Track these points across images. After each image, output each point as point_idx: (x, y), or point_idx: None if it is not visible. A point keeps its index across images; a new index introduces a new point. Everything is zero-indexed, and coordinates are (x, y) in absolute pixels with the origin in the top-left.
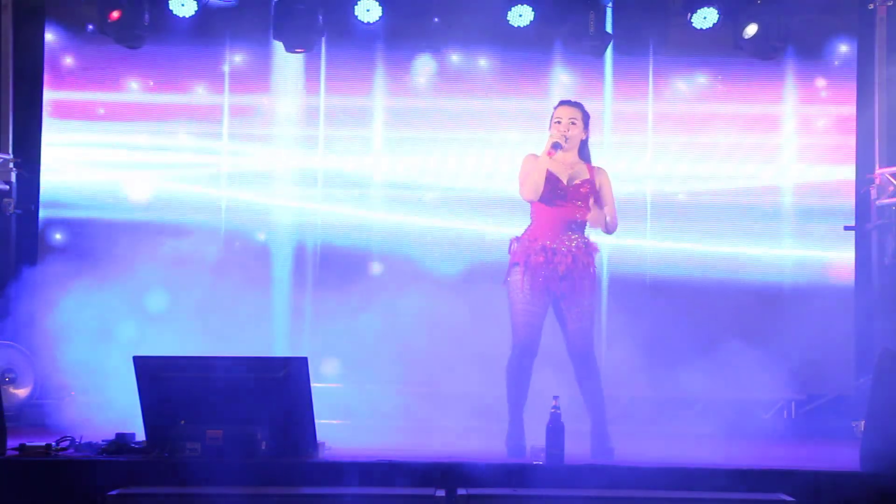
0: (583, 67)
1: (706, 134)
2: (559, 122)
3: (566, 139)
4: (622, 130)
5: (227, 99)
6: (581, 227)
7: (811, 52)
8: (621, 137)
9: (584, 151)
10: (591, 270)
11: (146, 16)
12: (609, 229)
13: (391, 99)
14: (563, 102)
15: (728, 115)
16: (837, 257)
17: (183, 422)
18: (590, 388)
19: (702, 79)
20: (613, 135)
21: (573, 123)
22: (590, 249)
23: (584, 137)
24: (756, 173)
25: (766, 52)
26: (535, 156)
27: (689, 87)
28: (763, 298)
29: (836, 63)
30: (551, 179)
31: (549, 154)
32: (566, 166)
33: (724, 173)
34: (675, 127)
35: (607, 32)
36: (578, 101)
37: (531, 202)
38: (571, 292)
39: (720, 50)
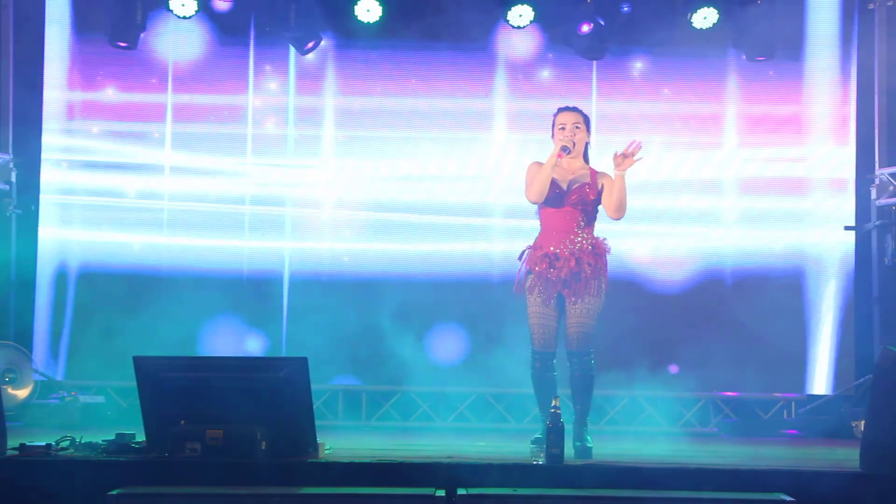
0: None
1: (706, 134)
2: (563, 129)
3: (574, 143)
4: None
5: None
6: (587, 228)
7: (811, 53)
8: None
9: (586, 155)
10: (599, 271)
11: (143, 16)
12: (613, 212)
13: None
14: (563, 109)
15: (726, 115)
16: (837, 257)
17: (183, 422)
18: (580, 386)
19: (702, 79)
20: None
21: (577, 128)
22: (597, 250)
23: (587, 141)
24: (755, 173)
25: (762, 53)
26: (539, 163)
27: (689, 88)
28: (762, 298)
29: (836, 63)
30: (552, 184)
31: (559, 156)
32: (569, 172)
33: (723, 173)
34: (677, 126)
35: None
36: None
37: (537, 208)
38: (576, 293)
39: (718, 50)
